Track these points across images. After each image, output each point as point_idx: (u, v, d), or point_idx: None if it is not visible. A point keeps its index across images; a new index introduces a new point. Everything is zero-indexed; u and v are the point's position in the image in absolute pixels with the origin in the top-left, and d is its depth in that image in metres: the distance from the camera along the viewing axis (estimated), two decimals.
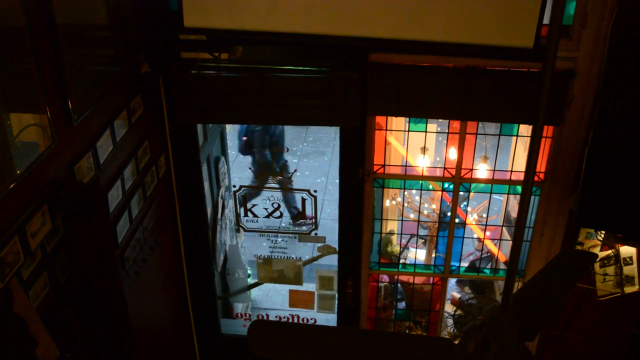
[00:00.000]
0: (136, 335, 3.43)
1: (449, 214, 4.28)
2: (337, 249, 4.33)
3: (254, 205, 4.44)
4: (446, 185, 4.25)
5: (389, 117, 3.99)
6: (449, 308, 4.84)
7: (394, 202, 5.07)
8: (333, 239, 4.42)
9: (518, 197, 4.36)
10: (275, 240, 4.51)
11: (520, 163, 4.07)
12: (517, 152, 4.11)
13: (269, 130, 4.93)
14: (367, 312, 4.58)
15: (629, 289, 4.06)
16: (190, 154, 4.00)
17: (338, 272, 4.40)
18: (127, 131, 3.31)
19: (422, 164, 4.23)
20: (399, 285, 4.88)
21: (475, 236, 5.17)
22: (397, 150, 4.67)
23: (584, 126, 3.53)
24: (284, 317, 4.95)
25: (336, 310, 4.60)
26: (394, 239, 4.95)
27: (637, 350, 4.20)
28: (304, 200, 4.27)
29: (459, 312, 4.77)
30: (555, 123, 3.59)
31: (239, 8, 3.17)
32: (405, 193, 4.33)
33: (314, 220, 4.38)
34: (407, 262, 4.90)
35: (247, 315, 5.03)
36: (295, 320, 4.82)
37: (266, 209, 4.36)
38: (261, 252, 4.59)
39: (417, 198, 4.57)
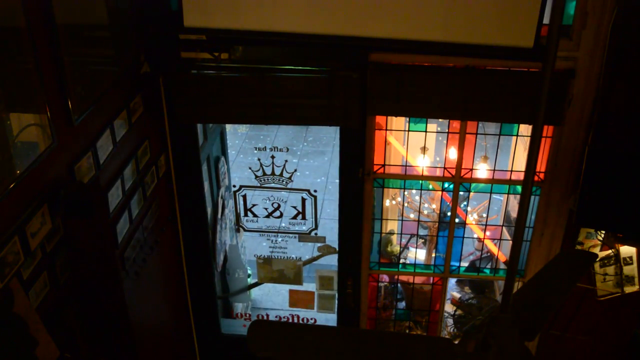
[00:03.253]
0: (136, 335, 3.43)
1: (449, 213, 4.28)
2: (337, 249, 4.33)
3: (254, 205, 4.44)
4: (446, 185, 4.26)
5: (389, 117, 3.99)
6: (449, 308, 4.84)
7: (394, 202, 5.07)
8: (333, 239, 4.42)
9: (518, 197, 4.36)
10: (275, 240, 4.51)
11: (520, 163, 4.07)
12: (517, 152, 4.11)
13: None
14: (367, 312, 4.57)
15: (629, 289, 4.06)
16: (190, 154, 3.99)
17: (338, 272, 4.40)
18: (127, 131, 3.31)
19: (422, 163, 4.23)
20: (399, 285, 4.88)
21: (475, 236, 5.17)
22: (397, 150, 4.67)
23: (584, 126, 3.53)
24: (284, 317, 4.95)
25: (336, 310, 4.60)
26: (394, 238, 4.95)
27: (637, 350, 4.20)
28: (304, 200, 4.28)
29: (459, 312, 4.77)
30: (555, 123, 3.59)
31: (239, 8, 3.16)
32: (405, 193, 4.33)
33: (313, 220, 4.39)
34: (407, 262, 4.90)
35: (247, 315, 5.03)
36: (295, 320, 4.82)
37: (266, 209, 4.36)
38: (261, 252, 4.59)
39: (417, 198, 4.57)
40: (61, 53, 2.60)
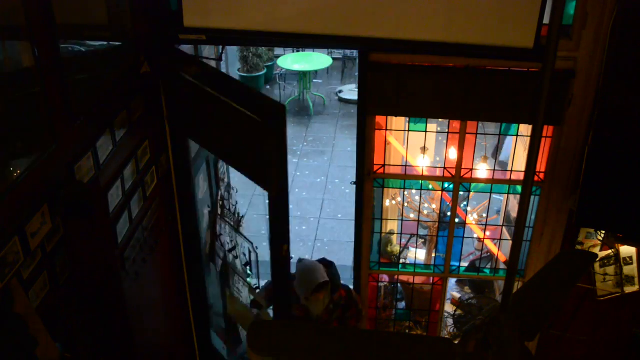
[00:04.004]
0: (136, 335, 3.43)
1: (449, 213, 4.28)
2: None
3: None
4: (446, 185, 4.25)
5: (389, 117, 3.99)
6: (449, 308, 4.84)
7: (394, 202, 5.07)
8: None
9: (518, 197, 4.36)
10: None
11: (520, 163, 4.07)
12: (517, 152, 4.11)
13: None
14: (367, 312, 4.57)
15: (629, 289, 4.06)
16: (191, 154, 3.99)
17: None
18: (127, 131, 3.31)
19: (422, 163, 4.23)
20: (399, 285, 4.88)
21: (475, 236, 5.17)
22: (397, 150, 4.67)
23: (584, 126, 3.53)
24: None
25: None
26: (394, 238, 4.95)
27: (637, 350, 4.20)
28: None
29: (459, 312, 4.77)
30: (555, 123, 3.59)
31: (239, 8, 3.17)
32: (405, 193, 4.33)
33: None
34: (407, 262, 4.90)
35: None
36: None
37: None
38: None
39: (417, 198, 4.57)
40: (61, 53, 2.60)
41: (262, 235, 4.72)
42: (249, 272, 5.06)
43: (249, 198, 5.43)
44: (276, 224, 3.19)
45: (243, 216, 4.16)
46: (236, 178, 4.21)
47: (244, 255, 4.03)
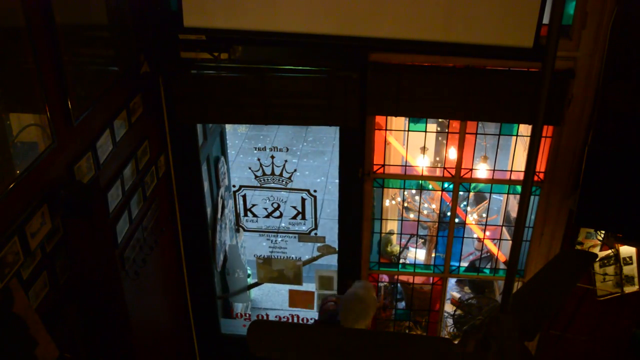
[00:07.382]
0: (136, 335, 3.43)
1: (448, 213, 4.28)
2: (337, 249, 4.33)
3: (253, 205, 4.44)
4: (446, 185, 4.25)
5: (389, 117, 3.99)
6: (448, 308, 4.84)
7: (393, 202, 5.07)
8: (333, 239, 4.42)
9: (518, 197, 4.36)
10: (275, 240, 4.51)
11: (520, 163, 4.07)
12: (517, 152, 4.11)
13: None
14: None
15: (628, 289, 4.06)
16: (190, 154, 3.99)
17: (338, 272, 4.40)
18: (127, 131, 3.31)
19: (421, 163, 4.23)
20: (398, 285, 4.88)
21: (475, 236, 5.17)
22: (397, 150, 4.67)
23: (584, 126, 3.53)
24: (284, 317, 4.95)
25: None
26: (394, 238, 4.95)
27: (637, 350, 4.20)
28: (303, 200, 4.28)
29: (458, 312, 4.77)
30: (555, 123, 3.59)
31: (238, 8, 3.17)
32: (405, 193, 4.33)
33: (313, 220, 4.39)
34: (407, 262, 4.90)
35: (247, 315, 5.03)
36: (295, 320, 4.82)
37: (266, 209, 4.36)
38: (261, 252, 4.59)
39: (417, 198, 4.57)
40: (61, 53, 2.60)
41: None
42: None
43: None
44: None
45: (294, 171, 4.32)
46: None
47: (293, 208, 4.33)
